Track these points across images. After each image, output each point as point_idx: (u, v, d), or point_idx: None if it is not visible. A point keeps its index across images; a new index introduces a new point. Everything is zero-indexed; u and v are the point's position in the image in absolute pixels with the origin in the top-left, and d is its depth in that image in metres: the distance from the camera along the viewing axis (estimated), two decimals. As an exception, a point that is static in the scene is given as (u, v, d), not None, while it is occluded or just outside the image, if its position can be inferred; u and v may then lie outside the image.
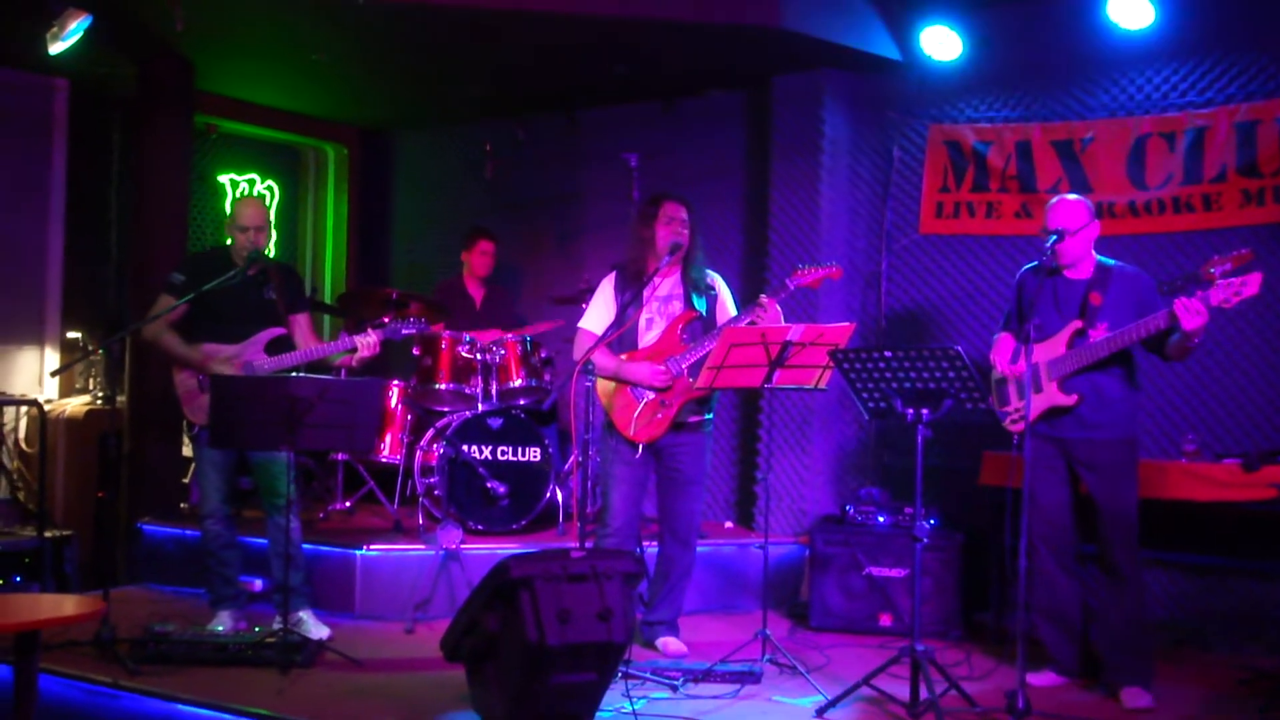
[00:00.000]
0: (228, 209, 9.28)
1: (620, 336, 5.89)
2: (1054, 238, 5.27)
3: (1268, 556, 6.10)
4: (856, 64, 7.36)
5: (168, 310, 6.02)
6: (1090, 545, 5.50)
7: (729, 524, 7.92)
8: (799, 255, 7.44)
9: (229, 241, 6.22)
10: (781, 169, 7.64)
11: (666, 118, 8.46)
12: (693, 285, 5.98)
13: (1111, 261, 5.43)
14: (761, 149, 7.88)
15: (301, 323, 6.30)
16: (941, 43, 7.01)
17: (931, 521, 6.57)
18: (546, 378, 7.61)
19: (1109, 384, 5.32)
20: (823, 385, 5.54)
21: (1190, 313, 4.88)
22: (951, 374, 4.80)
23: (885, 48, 7.24)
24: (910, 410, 4.92)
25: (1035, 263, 5.57)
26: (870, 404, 5.07)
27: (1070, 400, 5.29)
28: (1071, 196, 5.46)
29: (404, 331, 6.26)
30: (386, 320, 6.27)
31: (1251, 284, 4.84)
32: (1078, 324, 5.30)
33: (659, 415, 5.84)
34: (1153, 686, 5.24)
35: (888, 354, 4.90)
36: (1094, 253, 5.43)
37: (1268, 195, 6.36)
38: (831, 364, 5.22)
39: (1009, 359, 5.51)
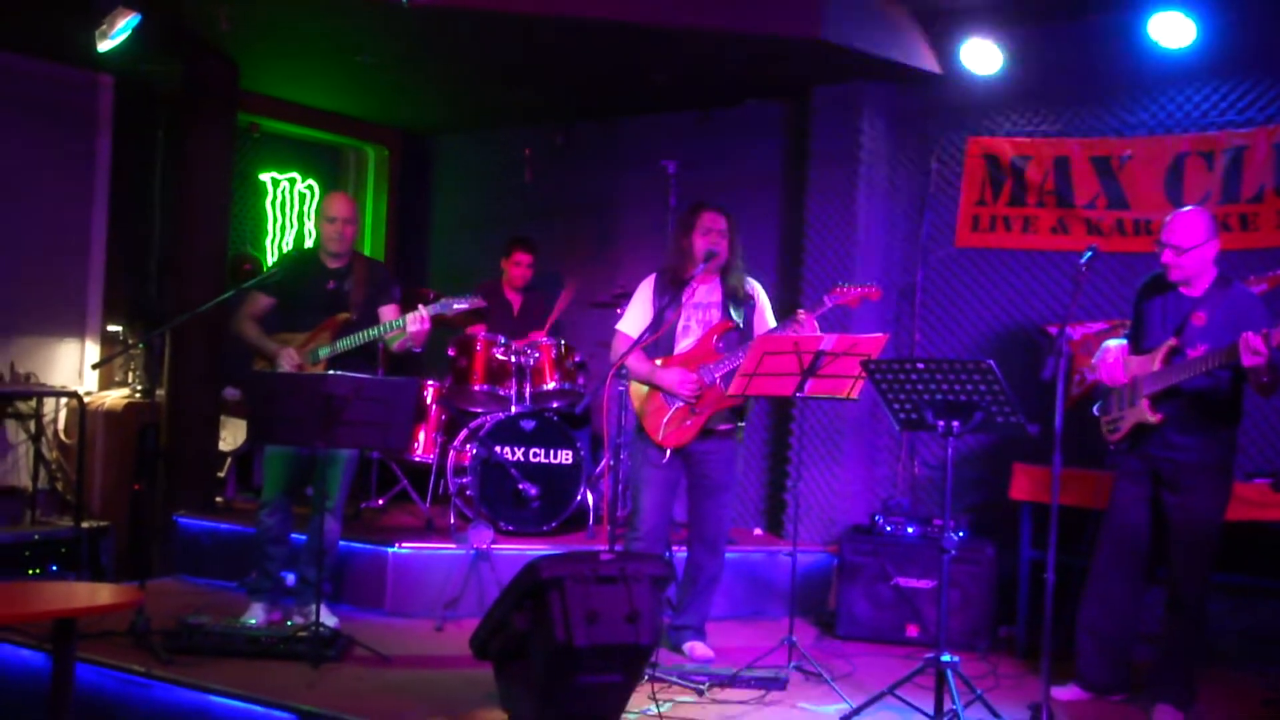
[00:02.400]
0: (268, 207, 9.41)
1: (656, 341, 5.91)
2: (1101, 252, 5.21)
3: (1298, 577, 6.07)
4: (896, 76, 7.37)
5: (224, 296, 6.18)
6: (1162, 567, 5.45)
7: (758, 531, 7.94)
8: (835, 265, 7.47)
9: (315, 239, 6.27)
10: (818, 179, 7.65)
11: (704, 126, 8.49)
12: (730, 294, 5.98)
13: (1232, 281, 5.28)
14: (799, 159, 7.90)
15: (388, 315, 6.30)
16: (981, 57, 7.00)
17: (960, 533, 6.56)
18: (580, 381, 7.64)
19: (1199, 408, 5.19)
20: (854, 395, 5.53)
21: (1248, 350, 4.74)
22: (983, 387, 4.77)
23: (925, 61, 7.24)
24: (941, 422, 4.89)
25: (1153, 274, 5.49)
26: (901, 415, 5.05)
27: (1155, 419, 5.22)
28: (1189, 209, 5.35)
29: (456, 306, 6.22)
30: (432, 295, 6.15)
31: None
32: (1172, 342, 5.20)
33: (688, 422, 5.86)
34: (1191, 711, 5.22)
35: (919, 365, 4.88)
36: (1214, 269, 5.28)
37: (1306, 216, 6.34)
38: (863, 374, 5.21)
39: (1113, 369, 5.45)
